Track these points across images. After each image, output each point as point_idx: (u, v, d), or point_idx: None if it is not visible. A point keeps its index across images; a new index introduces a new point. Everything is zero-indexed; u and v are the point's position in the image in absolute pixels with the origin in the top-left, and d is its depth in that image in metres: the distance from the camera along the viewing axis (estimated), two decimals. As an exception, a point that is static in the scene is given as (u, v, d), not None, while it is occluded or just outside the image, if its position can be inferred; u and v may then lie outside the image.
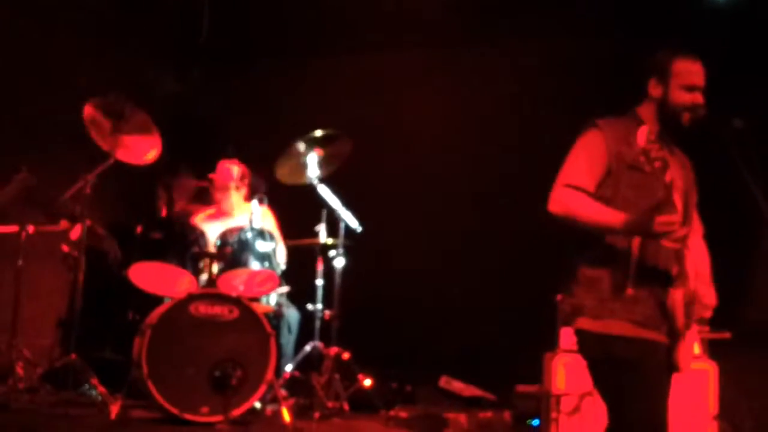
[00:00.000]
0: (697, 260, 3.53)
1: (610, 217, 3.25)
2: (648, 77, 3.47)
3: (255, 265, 5.72)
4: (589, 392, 5.20)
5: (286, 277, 6.21)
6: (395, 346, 7.09)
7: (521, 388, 6.14)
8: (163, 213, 6.68)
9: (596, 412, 5.02)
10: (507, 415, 6.05)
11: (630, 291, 3.29)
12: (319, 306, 6.60)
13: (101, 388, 5.43)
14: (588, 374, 3.46)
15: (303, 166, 6.50)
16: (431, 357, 7.12)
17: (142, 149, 6.10)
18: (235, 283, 5.69)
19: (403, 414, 5.92)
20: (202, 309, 5.25)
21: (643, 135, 3.06)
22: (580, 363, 3.52)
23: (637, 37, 6.45)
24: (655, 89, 3.45)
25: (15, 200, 5.92)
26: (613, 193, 3.34)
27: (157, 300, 5.79)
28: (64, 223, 6.07)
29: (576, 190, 3.33)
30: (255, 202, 5.83)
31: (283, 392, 5.79)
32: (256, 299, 5.91)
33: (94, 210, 5.97)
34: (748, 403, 5.55)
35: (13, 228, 5.93)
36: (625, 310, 3.30)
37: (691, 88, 3.39)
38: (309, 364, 6.39)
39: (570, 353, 5.33)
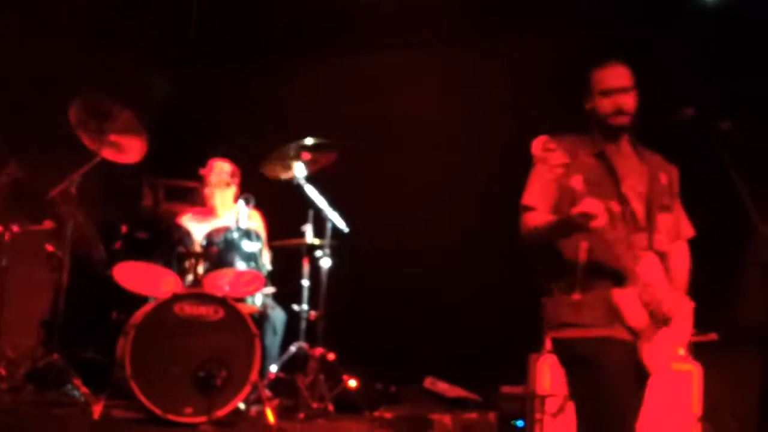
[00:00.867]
0: (674, 265, 3.60)
1: (552, 220, 3.45)
2: (582, 98, 3.66)
3: (241, 265, 5.70)
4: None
5: (272, 277, 6.19)
6: (380, 347, 7.08)
7: (506, 389, 6.15)
8: (148, 212, 6.66)
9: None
10: (492, 416, 6.06)
11: (576, 296, 3.45)
12: (305, 306, 6.58)
13: (84, 389, 5.40)
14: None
15: (290, 166, 6.49)
16: (416, 358, 7.11)
17: (129, 148, 6.07)
18: (221, 284, 5.67)
19: (387, 415, 5.91)
20: (187, 309, 5.23)
21: (538, 144, 3.21)
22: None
23: (631, 36, 6.48)
24: (587, 104, 3.64)
25: (3, 193, 5.89)
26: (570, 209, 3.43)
27: (142, 300, 5.76)
28: (48, 223, 6.03)
29: (532, 211, 3.55)
30: (242, 202, 5.82)
31: (267, 393, 5.77)
32: (242, 299, 5.89)
33: (79, 209, 5.94)
34: (732, 405, 5.57)
35: (-4, 227, 5.90)
36: (573, 314, 3.47)
37: (607, 92, 3.55)
38: (294, 365, 6.37)
39: (555, 355, 5.33)
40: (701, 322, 5.46)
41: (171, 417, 5.00)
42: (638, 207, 3.53)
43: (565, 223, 3.35)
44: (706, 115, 3.43)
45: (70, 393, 5.46)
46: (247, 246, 5.73)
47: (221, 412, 5.11)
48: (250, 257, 5.74)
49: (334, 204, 6.56)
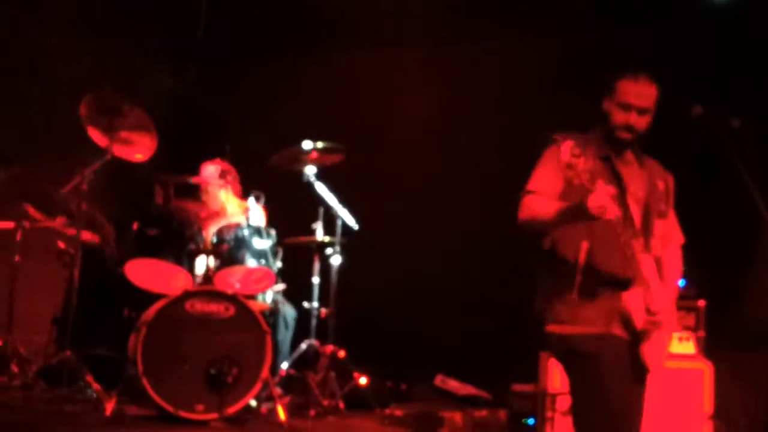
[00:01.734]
0: (666, 271, 3.67)
1: (561, 205, 3.44)
2: (603, 95, 3.63)
3: (251, 262, 5.71)
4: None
5: (283, 274, 6.20)
6: (391, 344, 7.08)
7: (517, 387, 6.15)
8: (159, 210, 6.66)
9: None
10: (502, 414, 6.05)
11: (573, 295, 3.49)
12: (315, 304, 6.60)
13: (96, 386, 5.41)
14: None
15: (299, 162, 6.49)
16: (427, 355, 7.11)
17: (139, 145, 6.08)
18: (232, 281, 5.68)
19: (398, 412, 5.91)
20: (198, 306, 5.24)
21: (567, 150, 3.22)
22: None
23: (633, 36, 6.46)
24: (605, 105, 3.62)
25: (3, 192, 5.91)
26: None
27: (153, 297, 5.76)
28: (60, 220, 6.05)
29: (537, 195, 3.57)
30: (252, 199, 5.82)
31: (278, 390, 5.78)
32: (253, 297, 5.90)
33: (91, 206, 5.96)
34: (744, 403, 5.55)
35: (9, 224, 5.92)
36: (569, 312, 3.51)
37: (625, 107, 3.54)
38: (305, 362, 6.39)
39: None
40: (713, 321, 5.48)
41: (182, 414, 5.02)
42: (636, 212, 3.57)
43: (576, 209, 3.33)
44: (715, 113, 3.43)
45: (82, 390, 5.47)
46: (258, 243, 5.73)
47: (232, 410, 5.13)
48: (261, 254, 5.75)
49: (344, 201, 6.57)
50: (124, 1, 7.72)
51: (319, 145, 6.37)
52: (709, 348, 5.49)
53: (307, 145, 6.35)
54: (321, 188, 6.48)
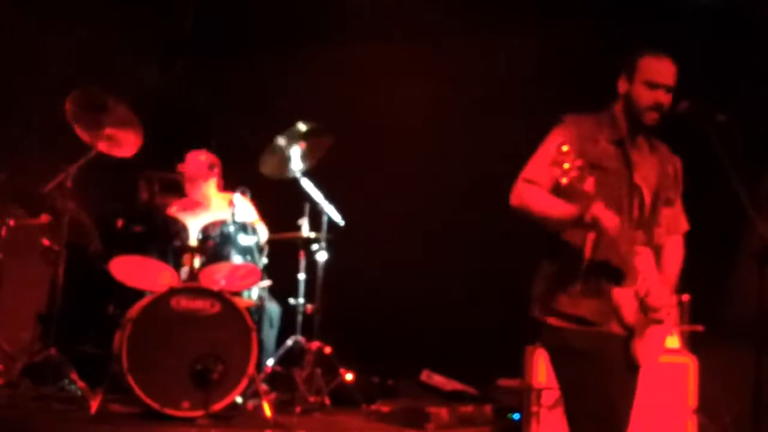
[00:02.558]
0: (666, 259, 3.59)
1: (562, 210, 3.32)
2: (619, 74, 3.51)
3: (237, 259, 5.70)
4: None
5: (268, 271, 6.19)
6: (377, 340, 7.09)
7: (502, 382, 6.16)
8: (144, 206, 6.65)
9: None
10: (488, 409, 6.06)
11: (578, 287, 3.38)
12: (301, 300, 6.60)
13: (81, 383, 5.41)
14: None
15: (286, 160, 6.49)
16: (412, 351, 7.11)
17: (124, 141, 6.06)
18: (217, 277, 5.66)
19: (384, 408, 5.92)
20: (184, 303, 5.24)
21: (553, 146, 3.14)
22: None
23: (623, 29, 6.48)
24: (622, 86, 3.50)
25: None
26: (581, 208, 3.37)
27: (138, 294, 5.76)
28: (44, 217, 6.03)
29: (532, 185, 3.42)
30: (237, 195, 5.82)
31: (264, 387, 5.78)
32: (238, 293, 5.89)
33: (75, 202, 5.94)
34: (728, 398, 5.58)
35: (-8, 222, 5.89)
36: (569, 305, 3.40)
37: (653, 85, 3.41)
38: (290, 359, 6.39)
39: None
40: (696, 315, 5.50)
41: (168, 411, 5.02)
42: (647, 199, 3.48)
43: (574, 221, 3.27)
44: (701, 107, 3.42)
45: (68, 387, 5.47)
46: (243, 240, 5.72)
47: (218, 406, 5.12)
48: (246, 251, 5.73)
49: (330, 197, 6.56)
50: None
51: (302, 127, 6.37)
52: (693, 342, 5.52)
53: (289, 132, 6.35)
54: (307, 184, 6.48)
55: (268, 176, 6.57)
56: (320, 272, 6.57)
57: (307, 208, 6.57)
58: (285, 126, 6.49)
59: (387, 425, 5.64)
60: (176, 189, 6.76)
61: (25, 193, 6.02)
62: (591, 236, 3.37)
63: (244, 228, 5.75)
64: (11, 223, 5.88)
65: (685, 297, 5.43)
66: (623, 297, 3.36)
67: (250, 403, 5.66)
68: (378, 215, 7.41)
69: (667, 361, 5.34)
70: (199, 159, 6.45)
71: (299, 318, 6.57)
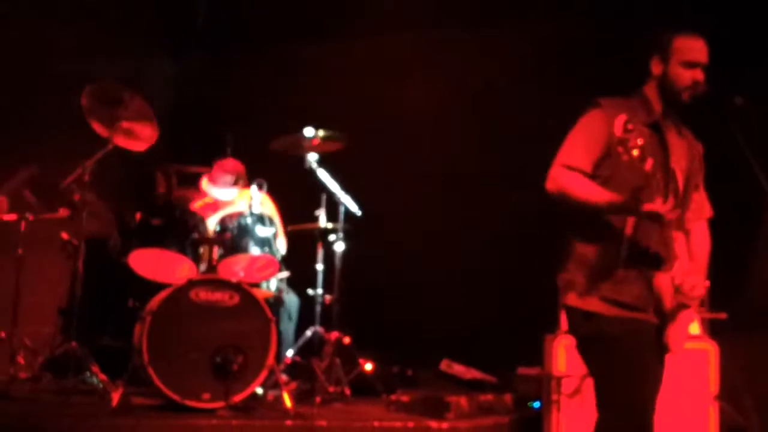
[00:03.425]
0: (695, 246, 3.56)
1: (600, 196, 3.29)
2: (650, 55, 3.48)
3: (255, 250, 5.71)
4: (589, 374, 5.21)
5: (286, 262, 6.20)
6: (396, 330, 7.09)
7: (522, 370, 6.15)
8: (162, 199, 6.66)
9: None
10: (508, 397, 6.05)
11: (620, 271, 3.33)
12: (320, 291, 6.61)
13: (102, 376, 5.43)
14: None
15: (301, 149, 6.48)
16: (432, 341, 7.11)
17: (141, 135, 6.07)
18: (236, 269, 5.68)
19: (404, 398, 5.92)
20: (203, 295, 5.25)
21: (620, 124, 3.04)
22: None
23: (633, 18, 6.43)
24: (656, 67, 3.48)
25: (19, 191, 5.92)
26: (611, 173, 3.36)
27: (158, 286, 5.77)
28: (63, 211, 6.05)
29: (571, 171, 3.38)
30: (254, 187, 5.82)
31: (284, 377, 5.79)
32: (257, 285, 5.90)
33: (93, 196, 5.96)
34: (749, 383, 5.55)
35: (12, 216, 5.91)
36: (613, 290, 3.35)
37: (691, 65, 3.41)
38: (310, 349, 6.39)
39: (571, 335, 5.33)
40: (716, 301, 5.47)
41: (189, 403, 5.03)
42: (680, 184, 3.45)
43: (627, 209, 3.21)
44: (718, 90, 3.39)
45: (89, 380, 5.49)
46: (261, 231, 5.73)
47: (239, 398, 5.13)
48: (264, 242, 5.74)
49: (346, 187, 6.56)
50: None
51: (321, 133, 6.34)
52: (713, 328, 5.49)
53: (308, 132, 6.32)
54: (323, 175, 6.47)
55: (281, 153, 6.51)
56: (338, 263, 6.56)
57: (324, 198, 6.57)
58: (302, 118, 6.46)
59: (407, 415, 5.63)
60: (193, 181, 6.78)
61: (43, 187, 6.04)
62: (631, 219, 3.32)
63: (261, 219, 5.76)
64: (30, 217, 5.90)
65: (706, 282, 5.39)
66: (664, 283, 3.32)
67: (270, 394, 5.67)
68: (395, 204, 7.41)
69: (689, 348, 5.30)
70: (226, 180, 6.46)
71: (318, 308, 6.58)
